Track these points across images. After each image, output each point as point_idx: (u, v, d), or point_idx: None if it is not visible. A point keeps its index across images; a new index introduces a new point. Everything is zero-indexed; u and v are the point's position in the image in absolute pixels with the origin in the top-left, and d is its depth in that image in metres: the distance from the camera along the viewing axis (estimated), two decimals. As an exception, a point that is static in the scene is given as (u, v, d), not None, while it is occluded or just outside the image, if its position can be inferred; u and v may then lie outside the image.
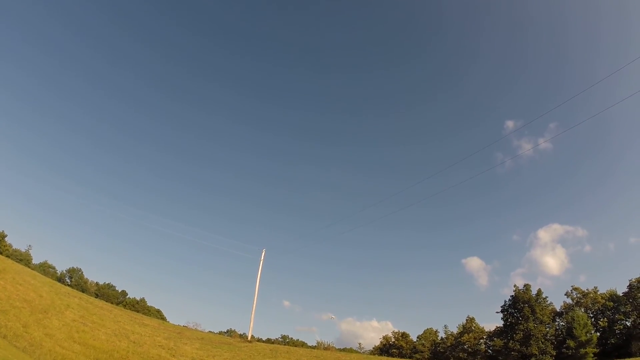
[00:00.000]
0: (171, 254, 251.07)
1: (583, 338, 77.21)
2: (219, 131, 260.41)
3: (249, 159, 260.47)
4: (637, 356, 52.58)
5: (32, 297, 33.49)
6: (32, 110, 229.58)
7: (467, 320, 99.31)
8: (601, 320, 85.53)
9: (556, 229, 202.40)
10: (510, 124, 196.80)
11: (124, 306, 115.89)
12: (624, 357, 44.87)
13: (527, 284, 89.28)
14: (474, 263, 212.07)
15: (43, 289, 39.51)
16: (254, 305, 61.88)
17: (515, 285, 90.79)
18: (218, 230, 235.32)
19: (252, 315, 62.26)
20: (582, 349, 75.85)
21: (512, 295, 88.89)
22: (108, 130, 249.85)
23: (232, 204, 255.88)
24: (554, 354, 78.84)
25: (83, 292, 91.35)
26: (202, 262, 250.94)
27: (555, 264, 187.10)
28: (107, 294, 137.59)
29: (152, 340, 35.55)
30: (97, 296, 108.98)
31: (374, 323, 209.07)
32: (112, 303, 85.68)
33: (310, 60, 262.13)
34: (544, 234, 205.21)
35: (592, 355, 74.45)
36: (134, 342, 32.62)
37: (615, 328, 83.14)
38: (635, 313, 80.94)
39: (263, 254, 64.25)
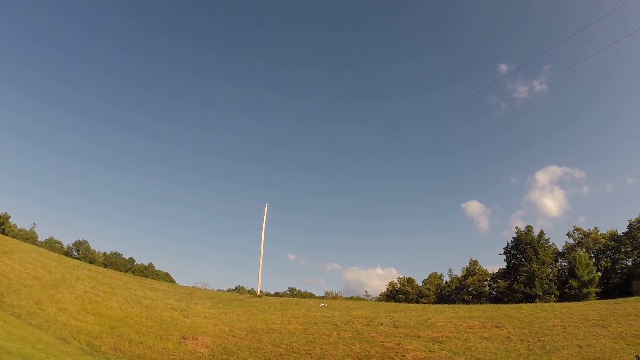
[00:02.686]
0: (175, 217, 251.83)
1: (585, 278, 78.38)
2: (213, 94, 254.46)
3: (243, 117, 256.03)
4: (638, 295, 53.17)
5: (42, 274, 33.24)
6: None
7: (470, 263, 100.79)
8: (603, 260, 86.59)
9: (554, 170, 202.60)
10: (504, 67, 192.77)
11: (133, 273, 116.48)
12: (625, 296, 45.27)
13: (529, 226, 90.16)
14: (474, 207, 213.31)
15: (52, 264, 39.34)
16: (261, 261, 62.13)
17: (516, 227, 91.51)
18: (219, 189, 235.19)
19: (260, 271, 62.54)
20: (584, 289, 77.14)
21: (514, 237, 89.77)
22: (95, 100, 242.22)
23: (229, 163, 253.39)
24: (558, 294, 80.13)
25: (91, 263, 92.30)
26: (206, 223, 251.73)
27: (554, 206, 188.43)
28: (115, 262, 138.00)
29: (164, 304, 35.73)
30: (105, 266, 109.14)
31: (379, 270, 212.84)
32: (120, 271, 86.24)
33: (298, 17, 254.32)
34: (542, 176, 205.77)
35: (595, 294, 75.63)
36: (147, 307, 32.81)
37: (616, 267, 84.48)
38: (635, 253, 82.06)
39: (266, 209, 63.95)
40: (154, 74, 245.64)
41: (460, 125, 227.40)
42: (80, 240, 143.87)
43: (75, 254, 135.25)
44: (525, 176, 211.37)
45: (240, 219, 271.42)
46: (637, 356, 9.81)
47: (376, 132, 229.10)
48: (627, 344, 21.73)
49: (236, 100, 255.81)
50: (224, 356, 22.62)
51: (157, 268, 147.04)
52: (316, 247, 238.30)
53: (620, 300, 36.48)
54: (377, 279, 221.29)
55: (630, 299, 37.61)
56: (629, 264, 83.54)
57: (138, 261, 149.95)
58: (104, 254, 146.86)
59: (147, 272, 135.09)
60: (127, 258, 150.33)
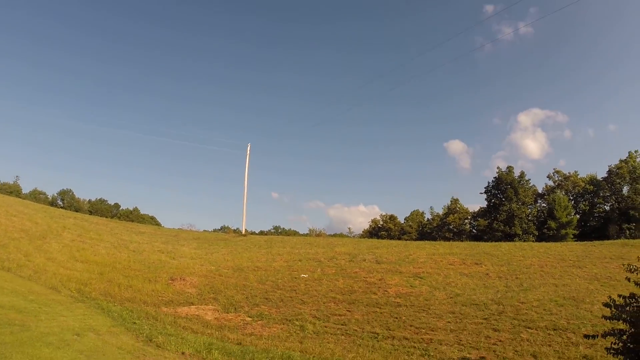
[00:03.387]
0: (159, 161, 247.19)
1: (564, 219, 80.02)
2: (193, 45, 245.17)
3: (224, 63, 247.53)
4: (614, 239, 54.54)
5: (29, 226, 33.08)
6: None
7: (451, 201, 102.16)
8: (582, 203, 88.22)
9: (537, 113, 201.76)
10: (489, 8, 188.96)
11: (119, 218, 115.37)
12: (602, 239, 46.32)
13: (510, 166, 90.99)
14: (456, 146, 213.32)
15: (37, 215, 39.09)
16: (245, 200, 62.51)
17: (498, 167, 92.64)
18: (203, 131, 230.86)
19: (244, 210, 62.92)
20: (562, 230, 78.90)
21: (495, 177, 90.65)
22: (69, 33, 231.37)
23: (211, 106, 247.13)
24: (536, 234, 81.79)
25: (77, 211, 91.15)
26: (191, 165, 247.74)
27: (535, 148, 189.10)
28: (100, 209, 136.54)
29: (150, 247, 35.91)
30: (91, 213, 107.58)
31: (361, 208, 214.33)
32: (106, 217, 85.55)
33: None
34: (525, 118, 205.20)
35: (572, 236, 77.44)
36: (134, 251, 32.99)
37: (594, 211, 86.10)
38: (613, 198, 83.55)
39: (249, 148, 63.87)
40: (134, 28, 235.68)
41: (444, 64, 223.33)
42: (65, 189, 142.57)
43: (61, 203, 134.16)
44: (508, 117, 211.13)
45: (224, 160, 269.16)
46: (610, 297, 9.96)
47: (358, 77, 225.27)
48: (601, 285, 22.32)
49: (217, 48, 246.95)
50: (212, 295, 22.90)
51: (142, 212, 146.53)
52: (300, 186, 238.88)
53: (596, 242, 37.30)
54: (360, 216, 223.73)
55: (606, 242, 38.47)
56: (607, 208, 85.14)
57: (123, 206, 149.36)
58: (89, 201, 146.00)
59: (132, 216, 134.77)
60: (112, 204, 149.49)
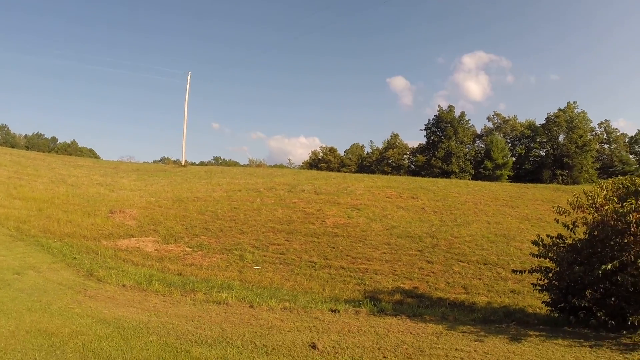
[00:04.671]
0: (96, 92, 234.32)
1: (500, 161, 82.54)
2: None
3: None
4: (546, 183, 56.93)
5: None
6: None
7: (391, 136, 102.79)
8: (518, 146, 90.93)
9: (481, 56, 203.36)
10: None
11: (57, 152, 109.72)
12: (535, 183, 48.20)
13: (451, 105, 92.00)
14: (399, 82, 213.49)
15: None
16: (185, 131, 61.86)
17: (439, 106, 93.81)
18: (140, 60, 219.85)
19: (184, 141, 62.24)
20: (498, 171, 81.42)
21: (436, 115, 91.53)
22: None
23: (150, 34, 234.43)
24: (473, 173, 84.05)
25: (13, 147, 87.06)
26: (129, 95, 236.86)
27: (477, 90, 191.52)
28: (37, 144, 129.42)
29: (89, 180, 35.12)
30: (27, 148, 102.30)
31: (302, 139, 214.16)
32: (44, 152, 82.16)
33: None
34: (469, 60, 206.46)
35: (507, 177, 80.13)
36: (72, 185, 32.14)
37: (530, 155, 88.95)
38: (549, 144, 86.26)
39: (189, 77, 62.18)
40: None
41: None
42: (0, 125, 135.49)
43: None
44: (453, 58, 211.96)
45: (164, 89, 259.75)
46: (539, 235, 10.35)
47: (306, 7, 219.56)
48: (531, 225, 23.31)
49: None
50: (152, 226, 22.53)
51: (80, 145, 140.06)
52: (241, 116, 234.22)
53: (530, 185, 38.74)
54: (301, 148, 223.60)
55: (539, 185, 40.04)
56: (542, 154, 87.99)
57: (61, 140, 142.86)
58: (26, 136, 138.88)
59: (70, 150, 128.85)
60: (49, 138, 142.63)
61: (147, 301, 10.53)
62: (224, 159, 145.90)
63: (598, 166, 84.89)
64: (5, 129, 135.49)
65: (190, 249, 19.17)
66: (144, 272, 14.38)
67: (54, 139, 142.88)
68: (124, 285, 12.03)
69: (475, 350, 7.25)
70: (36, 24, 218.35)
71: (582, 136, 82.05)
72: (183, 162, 59.02)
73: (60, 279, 11.89)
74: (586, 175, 78.17)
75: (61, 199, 26.99)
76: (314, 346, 7.37)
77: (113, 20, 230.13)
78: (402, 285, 15.42)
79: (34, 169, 36.50)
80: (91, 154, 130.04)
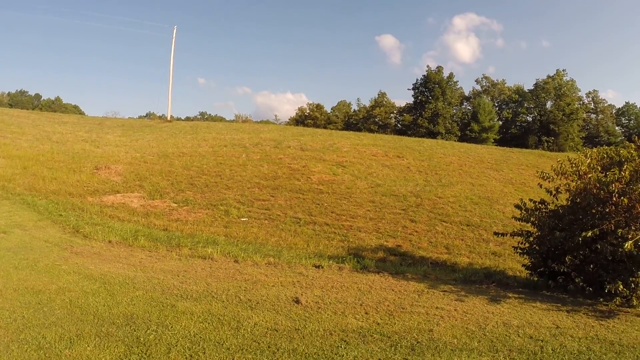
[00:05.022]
0: (80, 46, 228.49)
1: (486, 124, 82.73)
2: None
3: None
4: (532, 148, 57.35)
5: None
6: None
7: (379, 95, 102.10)
8: (505, 110, 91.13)
9: (472, 18, 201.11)
10: None
11: (41, 109, 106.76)
12: (521, 147, 48.64)
13: (440, 66, 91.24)
14: (388, 40, 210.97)
15: None
16: (170, 86, 60.58)
17: (428, 66, 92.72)
18: (124, 13, 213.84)
19: (170, 96, 61.80)
20: (484, 134, 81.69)
21: (424, 75, 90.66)
22: None
23: None
24: (459, 134, 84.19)
25: None
26: (113, 50, 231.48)
27: (467, 52, 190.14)
28: (21, 101, 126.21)
29: (74, 136, 34.68)
30: (11, 106, 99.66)
31: (289, 95, 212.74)
32: (27, 109, 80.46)
33: None
34: (460, 21, 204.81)
35: (493, 140, 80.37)
36: (57, 142, 31.74)
37: (516, 120, 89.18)
38: (536, 110, 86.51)
39: (174, 32, 60.87)
40: None
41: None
42: None
43: None
44: (443, 18, 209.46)
45: (149, 43, 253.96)
46: (522, 199, 10.49)
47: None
48: (515, 189, 23.61)
49: None
50: (137, 182, 22.37)
51: (65, 101, 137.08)
52: (227, 71, 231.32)
53: (515, 150, 39.06)
54: (287, 104, 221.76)
55: (524, 150, 40.37)
56: (529, 119, 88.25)
57: (45, 96, 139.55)
58: (9, 94, 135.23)
59: (55, 106, 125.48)
60: (33, 95, 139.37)
61: (133, 257, 10.57)
62: (210, 115, 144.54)
63: (584, 135, 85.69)
64: None
65: (175, 205, 19.17)
66: (130, 227, 14.39)
67: (37, 96, 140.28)
68: (110, 241, 12.04)
69: (455, 310, 7.40)
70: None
71: (569, 104, 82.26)
72: (169, 118, 58.31)
73: (47, 237, 11.87)
74: (571, 143, 78.68)
75: (46, 156, 26.73)
76: (297, 301, 7.48)
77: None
78: (385, 243, 15.62)
79: (17, 127, 36.03)
80: (76, 110, 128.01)
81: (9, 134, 32.77)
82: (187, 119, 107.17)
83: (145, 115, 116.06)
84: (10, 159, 25.29)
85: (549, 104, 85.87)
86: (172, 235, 13.94)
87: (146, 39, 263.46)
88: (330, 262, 10.99)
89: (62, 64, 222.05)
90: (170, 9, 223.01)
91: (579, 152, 10.70)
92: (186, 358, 5.12)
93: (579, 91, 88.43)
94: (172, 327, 6.05)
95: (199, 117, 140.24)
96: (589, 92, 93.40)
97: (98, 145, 31.81)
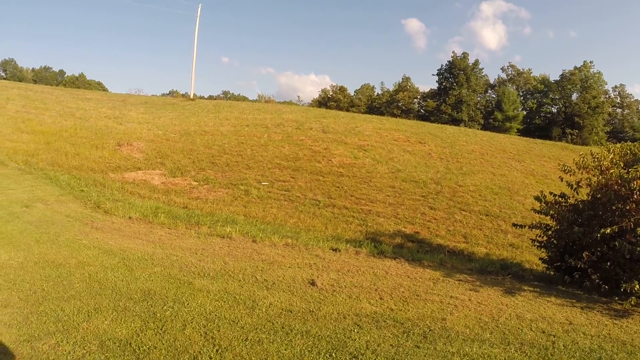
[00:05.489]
0: (104, 22, 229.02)
1: (510, 113, 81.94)
2: None
3: None
4: (555, 140, 56.57)
5: None
6: None
7: (403, 79, 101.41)
8: (530, 100, 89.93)
9: (500, 5, 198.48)
10: None
11: (64, 85, 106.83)
12: (544, 139, 48.03)
13: (465, 52, 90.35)
14: (414, 24, 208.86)
15: None
16: (194, 64, 61.30)
17: (453, 52, 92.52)
18: None
19: (193, 74, 61.81)
20: (507, 123, 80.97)
21: (450, 61, 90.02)
22: None
23: None
24: (482, 122, 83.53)
25: (20, 81, 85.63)
26: (138, 26, 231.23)
27: (493, 39, 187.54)
28: (45, 77, 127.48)
29: (97, 113, 34.79)
30: (35, 82, 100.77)
31: (312, 77, 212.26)
32: (51, 85, 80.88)
33: None
34: (487, 7, 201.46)
35: (516, 130, 79.48)
36: (80, 118, 31.88)
37: (541, 110, 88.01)
38: (561, 102, 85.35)
39: (199, 9, 60.59)
40: None
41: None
42: (7, 59, 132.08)
43: (3, 74, 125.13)
44: (470, 4, 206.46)
45: (173, 20, 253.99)
46: (542, 192, 10.41)
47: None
48: (536, 181, 23.38)
49: None
50: (158, 159, 22.64)
51: (88, 78, 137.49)
52: (251, 51, 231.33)
53: (538, 141, 38.57)
54: (311, 85, 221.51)
55: (547, 142, 39.84)
56: (554, 110, 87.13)
57: (69, 73, 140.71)
58: (33, 70, 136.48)
59: (78, 83, 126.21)
60: (57, 71, 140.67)
61: (152, 233, 10.71)
62: (232, 94, 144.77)
63: (608, 129, 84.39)
64: (13, 62, 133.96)
65: (196, 183, 19.36)
66: (150, 204, 14.54)
67: (61, 72, 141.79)
68: (130, 218, 12.18)
69: (469, 299, 7.42)
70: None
71: (595, 97, 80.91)
72: (192, 96, 58.50)
73: (68, 211, 12.02)
74: (595, 137, 77.52)
75: (69, 132, 27.01)
76: (313, 283, 7.56)
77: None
78: (403, 229, 15.64)
79: (41, 103, 36.26)
80: (99, 86, 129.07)
81: (33, 109, 33.05)
82: (210, 97, 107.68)
83: (168, 93, 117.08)
84: (33, 134, 25.63)
85: (574, 96, 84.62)
86: (191, 213, 14.08)
87: (171, 16, 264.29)
88: (348, 245, 11.04)
89: (86, 41, 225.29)
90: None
91: (602, 147, 10.55)
92: (201, 335, 5.23)
93: (606, 84, 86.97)
94: (188, 304, 6.17)
95: (222, 96, 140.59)
96: (616, 86, 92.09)
97: (121, 122, 32.04)
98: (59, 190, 15.03)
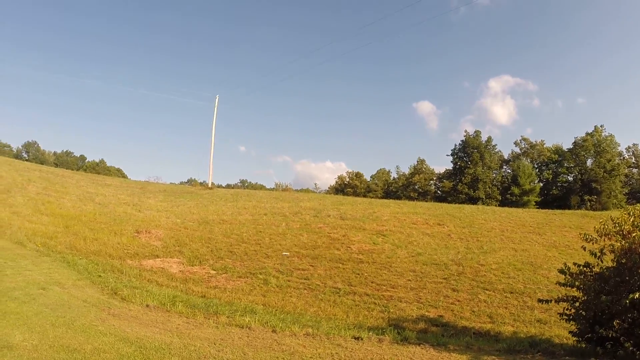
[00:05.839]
0: (126, 112, 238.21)
1: (527, 186, 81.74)
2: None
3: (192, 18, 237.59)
4: (574, 209, 56.00)
5: None
6: None
7: (418, 161, 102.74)
8: (545, 171, 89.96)
9: (507, 80, 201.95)
10: None
11: (85, 170, 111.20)
12: (563, 209, 47.47)
13: (478, 130, 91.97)
14: (425, 107, 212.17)
15: (1, 168, 38.38)
16: (212, 153, 61.90)
17: (465, 131, 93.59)
18: (169, 80, 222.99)
19: (211, 163, 62.37)
20: (525, 197, 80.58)
21: (463, 140, 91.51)
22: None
23: (180, 59, 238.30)
24: (500, 199, 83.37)
25: (42, 164, 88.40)
26: (158, 117, 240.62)
27: (504, 114, 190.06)
28: (66, 161, 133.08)
29: (116, 199, 35.46)
30: (56, 166, 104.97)
31: (328, 164, 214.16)
32: (72, 170, 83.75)
33: None
34: (495, 84, 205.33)
35: (534, 203, 79.07)
36: (100, 204, 32.53)
37: (557, 181, 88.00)
38: (577, 169, 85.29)
39: (217, 100, 62.69)
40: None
41: (419, 23, 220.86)
42: (30, 141, 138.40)
43: (26, 156, 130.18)
44: (479, 82, 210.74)
45: (192, 112, 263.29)
46: (565, 264, 10.25)
47: (331, 33, 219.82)
48: (559, 253, 22.94)
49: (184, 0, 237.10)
50: (177, 247, 22.79)
51: (109, 164, 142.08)
52: (267, 140, 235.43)
53: (557, 211, 38.13)
54: (327, 173, 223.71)
55: (566, 211, 39.38)
56: (570, 179, 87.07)
57: (90, 158, 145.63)
58: (55, 153, 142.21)
59: (99, 168, 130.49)
60: (78, 156, 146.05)
61: (170, 322, 10.61)
62: (250, 182, 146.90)
63: (627, 191, 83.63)
64: (36, 145, 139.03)
65: (214, 272, 19.30)
66: (168, 292, 14.52)
67: (82, 157, 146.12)
68: (147, 305, 12.13)
69: (498, 381, 7.15)
70: (71, 45, 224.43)
71: (610, 160, 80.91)
72: (210, 185, 59.26)
73: (85, 296, 12.03)
74: (615, 200, 76.90)
75: (88, 216, 27.41)
76: (335, 373, 7.35)
77: (144, 44, 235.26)
78: (426, 313, 15.29)
79: (62, 186, 36.99)
80: (119, 173, 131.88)
81: (54, 192, 33.68)
82: (228, 186, 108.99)
83: (186, 181, 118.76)
84: (53, 217, 25.97)
85: (589, 162, 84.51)
86: (210, 302, 13.94)
87: (189, 107, 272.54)
88: (370, 333, 10.80)
89: (107, 128, 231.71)
90: (213, 81, 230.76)
91: (622, 210, 10.44)
92: None
93: (619, 146, 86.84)
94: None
95: (240, 184, 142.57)
96: (629, 147, 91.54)
97: (140, 209, 32.40)
98: (76, 274, 15.09)
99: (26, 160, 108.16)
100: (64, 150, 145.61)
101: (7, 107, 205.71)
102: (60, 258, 17.42)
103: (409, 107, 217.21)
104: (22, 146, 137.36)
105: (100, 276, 15.42)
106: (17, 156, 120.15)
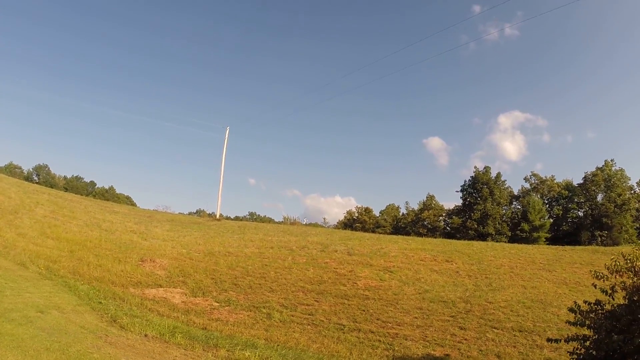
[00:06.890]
0: (137, 141, 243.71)
1: (537, 222, 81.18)
2: (173, 26, 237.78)
3: (205, 47, 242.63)
4: (585, 244, 55.36)
5: (1, 200, 32.86)
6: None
7: (427, 197, 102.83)
8: (555, 207, 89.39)
9: (517, 116, 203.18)
10: (477, 8, 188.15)
11: (94, 196, 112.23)
12: (573, 245, 46.93)
13: (487, 166, 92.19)
14: (435, 143, 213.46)
15: (11, 190, 38.78)
16: (221, 184, 62.23)
17: (475, 167, 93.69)
18: (181, 111, 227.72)
19: (220, 194, 62.69)
20: (535, 233, 79.99)
21: (472, 176, 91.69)
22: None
23: (189, 84, 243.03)
24: (509, 235, 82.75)
25: (52, 187, 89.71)
26: (169, 147, 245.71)
27: (513, 150, 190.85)
28: (76, 186, 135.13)
29: (123, 227, 35.40)
30: (66, 190, 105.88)
31: (338, 199, 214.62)
32: (81, 195, 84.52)
33: None
34: (505, 120, 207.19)
35: (544, 239, 78.41)
36: (106, 230, 32.47)
37: (567, 216, 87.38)
38: (587, 204, 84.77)
39: (227, 132, 63.28)
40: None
41: (428, 59, 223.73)
42: (41, 164, 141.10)
43: (36, 178, 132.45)
44: (488, 118, 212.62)
45: (202, 142, 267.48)
46: (575, 302, 9.97)
47: (341, 68, 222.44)
48: (569, 290, 22.49)
49: (197, 32, 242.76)
50: (181, 278, 22.64)
51: (118, 191, 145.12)
52: (277, 174, 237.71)
53: (567, 247, 37.63)
54: (336, 207, 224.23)
55: (577, 247, 38.86)
56: (580, 214, 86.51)
57: (99, 184, 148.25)
58: (65, 177, 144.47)
59: (108, 195, 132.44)
60: (88, 182, 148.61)
61: (167, 353, 10.41)
62: (258, 215, 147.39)
63: (638, 225, 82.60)
64: (46, 169, 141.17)
65: (217, 304, 19.08)
66: (168, 323, 14.32)
67: (92, 183, 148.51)
68: (146, 335, 11.95)
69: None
70: (86, 73, 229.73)
71: (620, 195, 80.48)
72: (217, 216, 59.26)
73: (83, 322, 11.89)
74: (626, 235, 76.27)
75: (94, 242, 27.32)
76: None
77: (155, 75, 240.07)
78: (432, 352, 14.95)
79: (70, 211, 37.02)
80: (128, 200, 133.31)
81: (61, 216, 33.66)
82: (236, 218, 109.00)
83: (195, 211, 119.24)
84: (58, 240, 25.89)
85: (599, 197, 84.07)
86: (210, 335, 13.77)
87: (199, 138, 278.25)
88: (373, 371, 10.49)
89: (117, 156, 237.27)
90: (224, 114, 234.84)
91: (633, 246, 10.21)
92: None
93: (629, 180, 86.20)
94: None
95: (248, 217, 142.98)
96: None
97: (146, 237, 32.28)
98: (76, 299, 14.97)
99: (36, 182, 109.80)
100: (74, 175, 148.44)
101: (21, 129, 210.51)
102: (62, 282, 17.38)
103: (419, 143, 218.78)
104: (32, 169, 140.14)
105: (100, 303, 15.30)
106: (28, 178, 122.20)
